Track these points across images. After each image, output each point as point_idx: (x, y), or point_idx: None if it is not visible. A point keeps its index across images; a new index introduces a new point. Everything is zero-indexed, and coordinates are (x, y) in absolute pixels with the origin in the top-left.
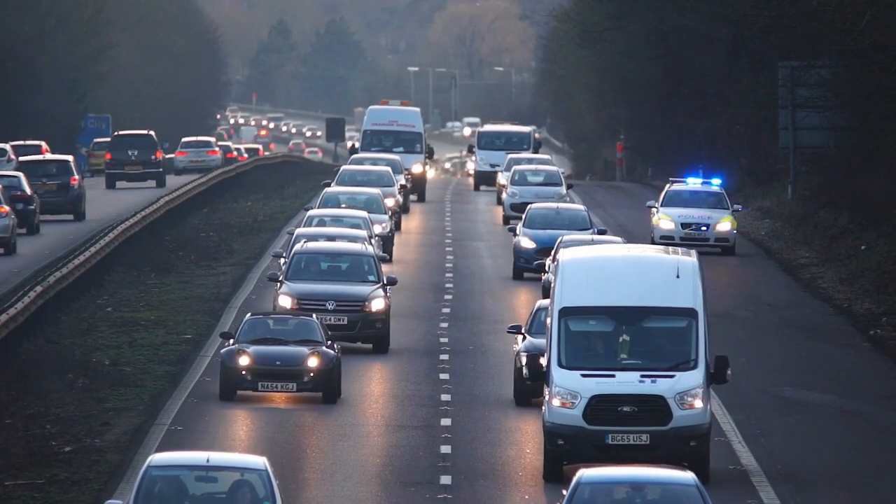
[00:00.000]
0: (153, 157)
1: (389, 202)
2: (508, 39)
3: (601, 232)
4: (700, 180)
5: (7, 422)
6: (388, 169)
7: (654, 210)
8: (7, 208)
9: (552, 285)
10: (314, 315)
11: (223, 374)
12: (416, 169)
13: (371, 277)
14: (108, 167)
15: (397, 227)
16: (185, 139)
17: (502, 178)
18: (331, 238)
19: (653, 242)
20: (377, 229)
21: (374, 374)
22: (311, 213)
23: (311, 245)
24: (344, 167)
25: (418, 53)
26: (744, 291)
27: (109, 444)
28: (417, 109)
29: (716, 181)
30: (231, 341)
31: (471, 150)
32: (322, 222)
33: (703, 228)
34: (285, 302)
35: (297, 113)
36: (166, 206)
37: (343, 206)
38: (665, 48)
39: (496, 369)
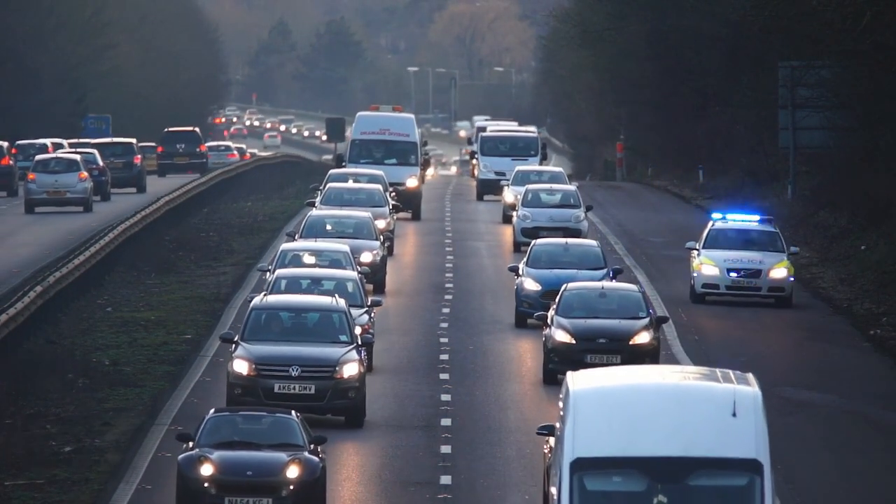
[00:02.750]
0: (198, 149)
1: (381, 224)
2: (508, 39)
3: (616, 272)
4: (749, 217)
5: (7, 422)
6: (379, 187)
7: (694, 252)
8: (86, 174)
9: (559, 425)
10: (294, 412)
11: (180, 487)
12: (411, 183)
13: (343, 337)
14: (160, 159)
15: (390, 251)
16: (208, 143)
17: (509, 194)
18: (316, 280)
19: (692, 291)
20: (367, 257)
21: (375, 374)
22: (284, 247)
23: (272, 299)
24: (330, 185)
25: (418, 53)
26: None
27: (109, 444)
28: (412, 116)
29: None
30: (190, 444)
31: (473, 156)
32: (297, 259)
33: (754, 276)
34: (241, 367)
35: (297, 113)
36: (166, 205)
37: (329, 226)
38: (665, 48)
39: (496, 369)
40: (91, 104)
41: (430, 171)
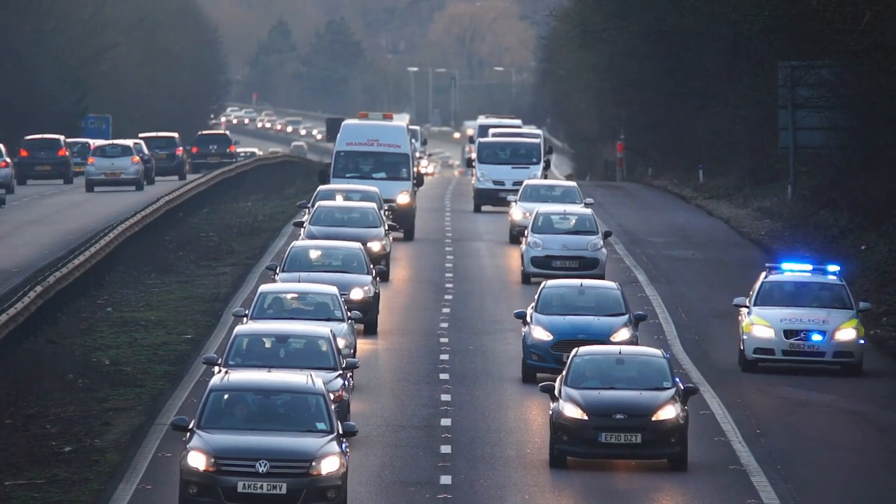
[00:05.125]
0: (227, 150)
1: (376, 246)
2: (508, 39)
3: (640, 318)
4: (811, 267)
5: (7, 422)
6: (373, 206)
7: (743, 310)
8: (138, 157)
9: None
10: None
11: None
12: (402, 199)
13: (321, 425)
14: (194, 158)
15: (385, 276)
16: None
17: (517, 212)
18: (281, 338)
19: (742, 357)
20: (358, 294)
21: (374, 372)
22: (263, 289)
23: (235, 378)
24: (319, 203)
25: (418, 53)
26: (744, 291)
27: (109, 444)
28: (403, 125)
29: (832, 268)
30: None
31: (470, 164)
32: (278, 303)
33: (817, 338)
34: (197, 461)
35: (297, 112)
36: (166, 205)
37: (314, 259)
38: (665, 48)
39: (496, 369)
40: (91, 104)
41: (430, 170)
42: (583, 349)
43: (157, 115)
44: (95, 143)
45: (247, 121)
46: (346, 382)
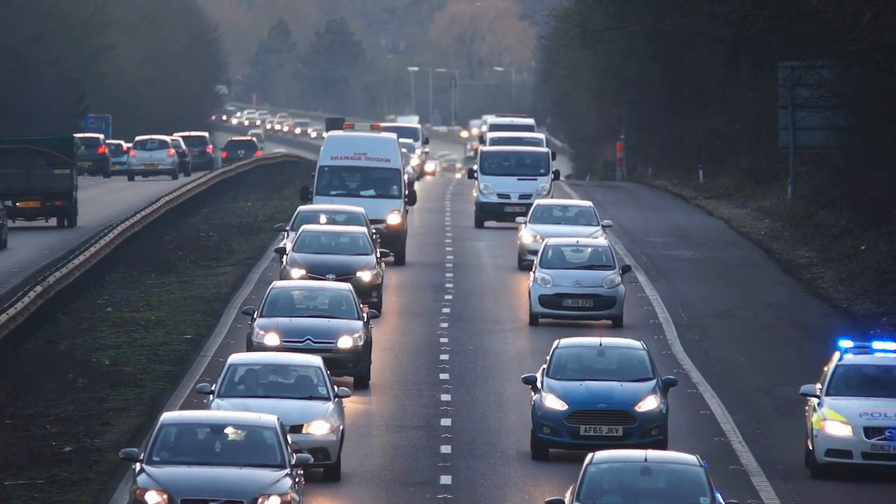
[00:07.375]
0: (254, 155)
1: (366, 276)
2: (508, 39)
3: (669, 384)
4: (888, 345)
5: (7, 422)
6: (364, 230)
7: (813, 401)
8: (174, 150)
9: None
10: None
11: None
12: (393, 219)
13: None
14: (224, 163)
15: (378, 308)
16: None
17: (527, 235)
18: (215, 429)
19: (810, 459)
20: (347, 342)
21: (374, 373)
22: (233, 359)
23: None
24: (304, 227)
25: (418, 53)
26: (744, 291)
27: (109, 444)
28: (393, 136)
29: None
30: None
31: (472, 174)
32: (252, 377)
33: None
34: None
35: (298, 112)
36: (166, 205)
37: (298, 302)
38: (665, 48)
39: (496, 369)
40: (91, 104)
41: (430, 168)
42: (600, 455)
43: (157, 115)
44: (135, 139)
45: (258, 122)
46: (297, 481)
